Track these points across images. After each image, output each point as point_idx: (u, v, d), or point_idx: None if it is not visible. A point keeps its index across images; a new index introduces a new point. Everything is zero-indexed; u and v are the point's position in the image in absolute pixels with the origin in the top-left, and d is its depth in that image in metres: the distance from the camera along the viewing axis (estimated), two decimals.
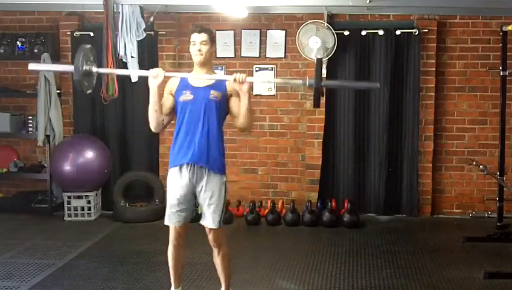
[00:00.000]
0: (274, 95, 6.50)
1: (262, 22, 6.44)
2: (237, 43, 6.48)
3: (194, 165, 3.60)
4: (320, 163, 6.41)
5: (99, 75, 4.26)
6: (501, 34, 5.46)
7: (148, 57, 6.36)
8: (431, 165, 6.36)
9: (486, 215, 6.28)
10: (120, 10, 5.60)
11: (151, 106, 3.63)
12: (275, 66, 6.45)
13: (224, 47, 6.39)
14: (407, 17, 6.28)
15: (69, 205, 6.27)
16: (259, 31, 6.46)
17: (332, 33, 6.10)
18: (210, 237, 3.73)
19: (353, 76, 6.27)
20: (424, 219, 6.30)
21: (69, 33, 6.52)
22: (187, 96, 3.62)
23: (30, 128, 6.55)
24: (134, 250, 5.21)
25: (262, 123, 6.53)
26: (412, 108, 6.28)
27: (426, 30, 6.19)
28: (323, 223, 6.03)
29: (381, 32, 6.20)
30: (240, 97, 3.59)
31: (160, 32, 6.43)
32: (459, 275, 4.56)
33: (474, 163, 5.34)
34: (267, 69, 6.44)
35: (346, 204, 6.09)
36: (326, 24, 6.11)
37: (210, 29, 3.72)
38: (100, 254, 5.13)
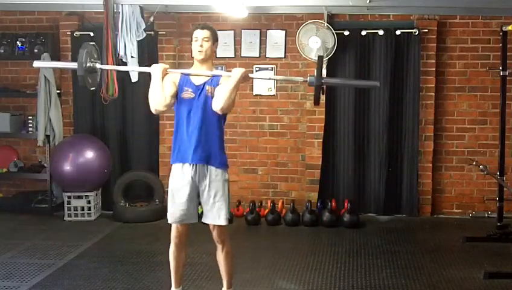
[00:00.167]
0: (274, 95, 6.50)
1: (262, 22, 6.45)
2: (237, 43, 6.48)
3: (196, 165, 3.61)
4: (320, 163, 6.41)
5: (101, 74, 4.28)
6: (501, 34, 5.46)
7: (148, 57, 6.35)
8: (431, 165, 6.36)
9: (486, 215, 6.28)
10: (120, 10, 5.60)
11: (156, 87, 3.57)
12: (275, 66, 6.45)
13: (224, 47, 6.38)
14: (407, 17, 6.28)
15: (69, 205, 6.27)
16: (259, 31, 6.47)
17: (332, 33, 6.10)
18: (214, 233, 3.73)
19: (353, 76, 6.27)
20: (424, 219, 6.30)
21: (69, 33, 6.52)
22: (189, 93, 3.61)
23: (30, 128, 6.55)
24: (134, 250, 5.21)
25: (262, 123, 6.54)
26: (412, 108, 6.28)
27: (426, 30, 6.19)
28: (323, 223, 6.03)
29: (381, 32, 6.20)
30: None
31: (160, 32, 6.43)
32: (459, 275, 4.56)
33: (474, 163, 5.33)
34: (267, 69, 6.44)
35: (346, 204, 6.09)
36: (326, 24, 6.11)
37: (213, 27, 3.72)
38: (100, 254, 5.13)
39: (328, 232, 5.84)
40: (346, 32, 6.22)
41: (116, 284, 4.36)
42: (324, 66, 6.02)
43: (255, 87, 6.46)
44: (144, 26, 5.89)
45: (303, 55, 6.20)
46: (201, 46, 3.61)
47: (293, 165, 6.55)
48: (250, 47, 6.48)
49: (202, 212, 3.72)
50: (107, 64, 5.13)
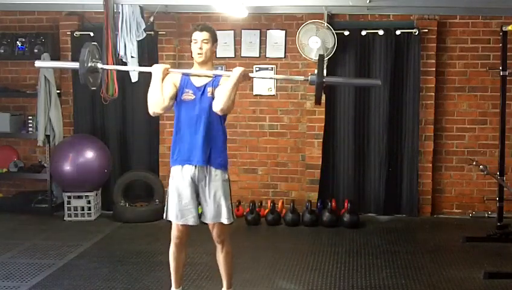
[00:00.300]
0: (274, 95, 6.50)
1: (262, 22, 6.45)
2: (237, 43, 6.48)
3: (195, 166, 3.61)
4: (320, 163, 6.41)
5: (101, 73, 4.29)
6: (501, 34, 5.46)
7: (148, 57, 6.35)
8: (431, 165, 6.36)
9: (486, 215, 6.28)
10: (120, 10, 5.60)
11: (156, 88, 3.57)
12: (275, 66, 6.45)
13: (224, 47, 6.38)
14: (407, 17, 6.28)
15: (69, 205, 6.27)
16: (259, 31, 6.47)
17: (332, 33, 6.10)
18: (214, 233, 3.74)
19: (353, 76, 6.26)
20: (424, 219, 6.30)
21: (69, 33, 6.52)
22: (189, 95, 3.61)
23: (30, 128, 6.55)
24: (134, 250, 5.21)
25: (262, 123, 6.54)
26: (412, 108, 6.28)
27: (426, 30, 6.19)
28: (323, 223, 6.03)
29: (381, 32, 6.20)
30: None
31: (160, 32, 6.44)
32: (459, 275, 4.56)
33: (474, 163, 5.33)
34: (267, 69, 6.44)
35: (346, 204, 6.09)
36: (326, 24, 6.11)
37: (212, 28, 3.71)
38: (100, 254, 5.13)
39: (328, 232, 5.84)
40: (346, 32, 6.22)
41: (116, 284, 4.36)
42: (324, 66, 6.02)
43: (255, 87, 6.46)
44: (143, 26, 5.89)
45: (303, 55, 6.21)
46: (200, 48, 3.61)
47: (293, 165, 6.55)
48: (250, 47, 6.48)
49: (202, 212, 3.73)
50: (107, 64, 5.13)
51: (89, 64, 3.74)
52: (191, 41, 3.66)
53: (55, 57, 6.42)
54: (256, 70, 6.43)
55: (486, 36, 6.24)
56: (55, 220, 6.29)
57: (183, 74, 3.68)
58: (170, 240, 3.78)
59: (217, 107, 3.52)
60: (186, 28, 6.31)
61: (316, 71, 3.57)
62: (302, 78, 3.79)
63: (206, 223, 3.73)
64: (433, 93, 6.28)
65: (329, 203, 6.13)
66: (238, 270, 4.22)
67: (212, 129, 3.61)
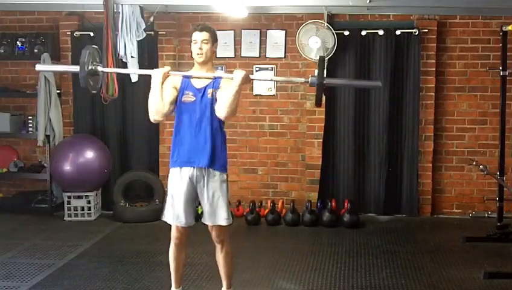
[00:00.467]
0: (274, 95, 6.50)
1: (262, 22, 6.45)
2: (237, 43, 6.48)
3: (194, 168, 3.61)
4: (320, 163, 6.41)
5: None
6: (501, 34, 5.46)
7: (148, 57, 6.36)
8: (431, 165, 6.36)
9: (486, 215, 6.28)
10: (120, 10, 5.60)
11: (154, 92, 3.55)
12: (275, 66, 6.45)
13: (224, 47, 6.38)
14: (407, 17, 6.28)
15: (69, 205, 6.27)
16: (259, 31, 6.46)
17: (332, 33, 6.10)
18: (213, 233, 3.74)
19: (353, 76, 6.26)
20: (424, 219, 6.30)
21: (69, 33, 6.52)
22: (189, 97, 3.60)
23: (30, 128, 6.55)
24: (134, 250, 5.21)
25: (262, 123, 6.54)
26: (412, 108, 6.28)
27: (426, 30, 6.19)
28: (323, 223, 6.03)
29: (381, 32, 6.20)
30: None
31: (160, 32, 6.44)
32: (459, 275, 4.56)
33: (474, 163, 5.33)
34: (267, 69, 6.44)
35: (346, 204, 6.09)
36: (326, 24, 6.11)
37: (212, 28, 3.69)
38: (100, 254, 5.13)
39: (328, 232, 5.84)
40: (346, 32, 6.22)
41: (116, 284, 4.36)
42: (325, 66, 6.02)
43: (255, 87, 6.46)
44: (143, 26, 5.89)
45: (303, 55, 6.21)
46: (200, 48, 3.60)
47: (293, 165, 6.55)
48: (250, 47, 6.48)
49: (202, 212, 3.73)
50: (107, 64, 5.13)
51: (90, 68, 3.72)
52: (191, 42, 3.65)
53: (55, 57, 6.43)
54: (256, 71, 6.44)
55: (486, 36, 6.24)
56: (55, 220, 6.29)
57: (184, 76, 3.67)
58: (170, 240, 3.78)
59: (221, 113, 3.52)
60: (186, 28, 6.31)
61: (316, 72, 3.57)
62: (302, 79, 3.79)
63: (206, 224, 3.73)
64: (433, 93, 6.28)
65: (329, 203, 6.13)
66: (238, 270, 4.22)
67: (212, 131, 3.60)
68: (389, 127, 6.32)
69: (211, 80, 3.63)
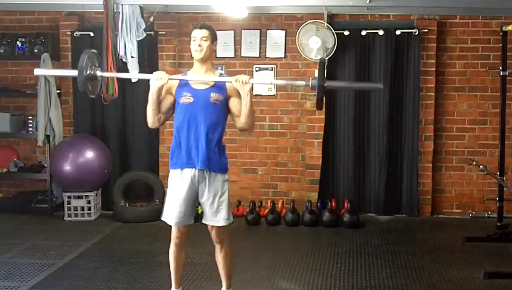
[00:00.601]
0: (274, 95, 6.50)
1: (262, 22, 6.44)
2: (237, 43, 6.48)
3: (195, 169, 3.61)
4: (320, 163, 6.41)
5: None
6: (501, 34, 5.46)
7: (148, 57, 6.36)
8: (431, 165, 6.36)
9: (486, 215, 6.28)
10: (120, 10, 5.60)
11: (150, 104, 3.61)
12: (275, 66, 6.45)
13: (224, 47, 6.38)
14: (407, 17, 6.28)
15: (69, 205, 6.27)
16: (259, 31, 6.46)
17: (332, 33, 6.10)
18: (213, 234, 3.73)
19: (353, 76, 6.27)
20: (424, 219, 6.30)
21: (69, 33, 6.52)
22: (187, 98, 3.60)
23: (30, 128, 6.55)
24: (134, 250, 5.21)
25: (262, 123, 6.53)
26: (412, 108, 6.28)
27: (426, 30, 6.19)
28: (323, 223, 6.03)
29: (381, 32, 6.20)
30: (241, 98, 3.58)
31: (160, 32, 6.43)
32: (459, 275, 4.56)
33: (474, 163, 5.33)
34: (267, 69, 6.44)
35: (346, 204, 6.09)
36: (326, 24, 6.11)
37: (211, 26, 3.70)
38: (100, 254, 5.13)
39: (328, 232, 5.84)
40: (346, 32, 6.21)
41: (116, 284, 4.36)
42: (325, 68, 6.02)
43: (255, 87, 6.44)
44: (143, 26, 5.89)
45: (303, 55, 6.21)
46: (199, 45, 3.60)
47: (293, 165, 6.55)
48: (250, 47, 6.48)
49: (202, 212, 3.73)
50: (107, 64, 5.13)
51: (88, 72, 3.71)
52: (190, 40, 3.65)
53: (55, 57, 6.44)
54: (256, 71, 6.44)
55: (486, 36, 6.24)
56: (55, 220, 6.29)
57: (182, 80, 3.67)
58: (170, 240, 3.78)
59: (244, 126, 3.64)
60: (186, 28, 6.31)
61: (316, 74, 3.56)
62: (303, 82, 3.77)
63: (206, 224, 3.73)
64: (433, 93, 6.28)
65: (329, 203, 6.13)
66: (238, 270, 4.22)
67: (211, 132, 3.59)
68: (389, 127, 6.32)
69: (213, 82, 3.62)
